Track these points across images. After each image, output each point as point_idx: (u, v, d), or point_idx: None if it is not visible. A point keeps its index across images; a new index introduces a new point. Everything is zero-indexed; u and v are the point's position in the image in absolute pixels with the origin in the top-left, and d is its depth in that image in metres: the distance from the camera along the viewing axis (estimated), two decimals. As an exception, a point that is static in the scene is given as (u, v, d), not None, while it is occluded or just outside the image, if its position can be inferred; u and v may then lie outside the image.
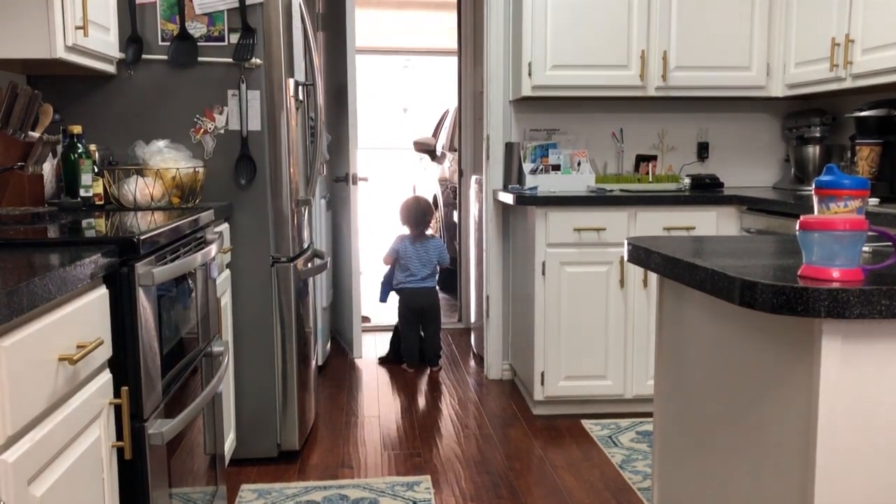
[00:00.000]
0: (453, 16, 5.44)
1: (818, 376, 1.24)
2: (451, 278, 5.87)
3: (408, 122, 11.47)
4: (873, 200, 2.94)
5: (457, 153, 5.55)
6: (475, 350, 4.74)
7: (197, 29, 2.87)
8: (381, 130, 11.37)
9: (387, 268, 4.67)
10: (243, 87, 2.89)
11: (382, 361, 4.63)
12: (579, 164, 3.96)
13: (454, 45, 5.41)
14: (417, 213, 4.54)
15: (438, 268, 4.54)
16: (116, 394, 1.64)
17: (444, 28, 9.34)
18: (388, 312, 5.15)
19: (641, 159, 4.12)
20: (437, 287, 4.58)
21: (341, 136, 4.58)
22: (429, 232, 4.63)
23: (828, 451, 1.25)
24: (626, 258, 1.85)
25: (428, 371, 4.45)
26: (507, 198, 3.80)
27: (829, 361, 1.23)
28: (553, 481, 2.97)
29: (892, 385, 1.24)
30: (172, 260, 1.99)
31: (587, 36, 3.74)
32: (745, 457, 1.50)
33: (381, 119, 11.50)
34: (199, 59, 2.88)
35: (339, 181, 4.65)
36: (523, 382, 3.94)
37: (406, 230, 4.58)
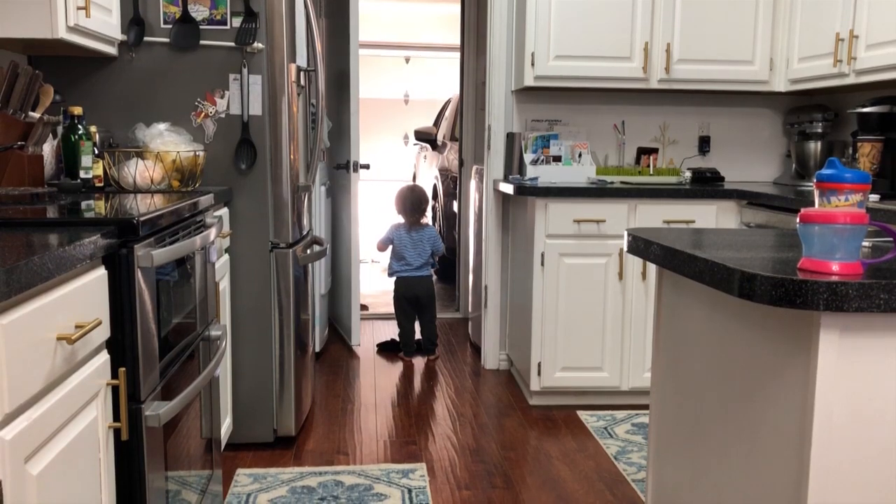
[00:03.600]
0: (455, 9, 5.43)
1: (815, 369, 1.24)
2: (449, 268, 5.88)
3: (409, 153, 11.29)
4: (874, 197, 2.93)
5: (458, 143, 5.55)
6: (472, 340, 4.75)
7: (199, 12, 2.86)
8: (383, 161, 11.10)
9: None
10: (245, 71, 2.88)
11: (381, 349, 4.64)
12: (580, 155, 3.96)
13: (454, 41, 5.39)
14: (413, 201, 4.54)
15: (434, 256, 4.55)
16: (114, 375, 1.64)
17: (445, 23, 9.29)
18: (386, 300, 5.16)
19: (642, 152, 4.12)
20: (433, 275, 4.59)
21: (342, 123, 4.57)
22: (424, 220, 4.64)
23: (823, 444, 1.25)
24: (625, 249, 1.86)
25: (424, 360, 4.46)
26: (508, 188, 3.79)
27: (826, 354, 1.23)
28: (548, 471, 2.98)
29: (889, 379, 1.25)
30: (171, 243, 1.99)
31: (591, 27, 3.73)
32: (740, 449, 1.50)
33: (382, 150, 11.27)
34: (201, 42, 2.87)
35: (340, 168, 4.65)
36: (520, 373, 3.95)
37: (401, 218, 4.58)
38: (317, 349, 4.30)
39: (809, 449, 1.26)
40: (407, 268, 4.47)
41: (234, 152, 2.92)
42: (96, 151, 2.53)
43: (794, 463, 1.30)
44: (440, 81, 10.38)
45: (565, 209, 3.51)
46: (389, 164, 11.03)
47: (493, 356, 4.29)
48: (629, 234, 1.81)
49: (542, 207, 3.52)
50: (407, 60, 11.67)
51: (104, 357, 1.61)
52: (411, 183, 6.14)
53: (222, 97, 2.90)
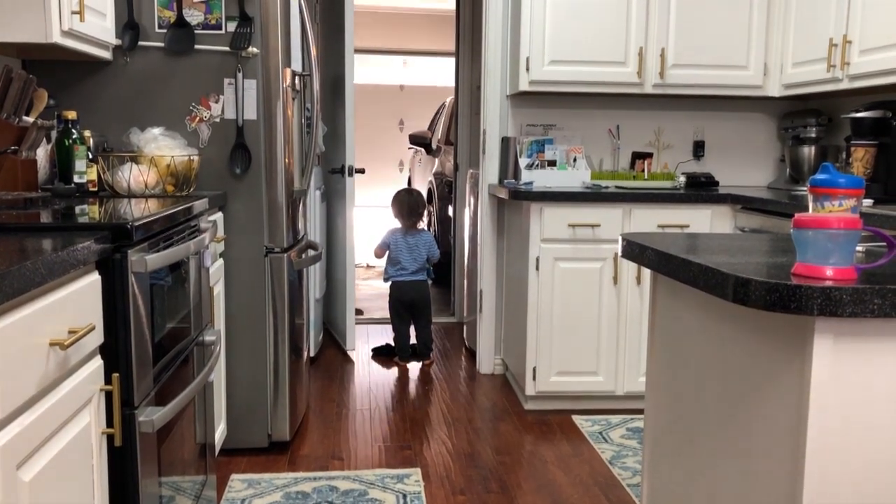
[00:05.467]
0: (450, 15, 5.43)
1: (809, 374, 1.24)
2: (444, 272, 5.88)
3: (404, 179, 11.08)
4: (867, 202, 2.94)
5: (453, 147, 5.55)
6: (467, 344, 4.75)
7: (194, 16, 2.86)
8: (379, 188, 10.87)
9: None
10: (240, 75, 2.88)
11: (376, 353, 4.63)
12: (575, 160, 3.96)
13: (449, 47, 5.38)
14: (410, 205, 4.54)
15: (429, 262, 4.54)
16: (107, 380, 1.63)
17: (440, 29, 9.28)
18: (381, 305, 5.16)
19: (637, 156, 4.12)
20: (429, 280, 4.59)
21: (337, 128, 4.57)
22: (420, 225, 4.64)
23: (818, 449, 1.25)
24: (620, 253, 1.86)
25: (419, 364, 4.46)
26: (503, 192, 3.79)
27: (820, 359, 1.24)
28: (543, 476, 2.98)
29: (883, 384, 1.25)
30: (166, 247, 1.98)
31: (585, 32, 3.74)
32: (735, 454, 1.50)
33: (378, 177, 11.06)
34: (196, 46, 2.86)
35: (335, 173, 4.64)
36: (515, 377, 3.95)
37: (398, 223, 4.58)
38: (311, 354, 4.29)
39: (804, 454, 1.26)
40: (402, 272, 4.47)
41: (229, 157, 2.92)
42: (90, 156, 2.53)
43: (789, 468, 1.30)
44: (433, 108, 10.38)
45: (560, 213, 3.52)
46: (386, 192, 10.91)
47: (488, 360, 4.28)
48: (624, 239, 1.82)
49: (536, 212, 3.52)
50: (401, 88, 11.69)
51: (97, 362, 1.60)
52: (408, 187, 6.15)
53: (217, 101, 2.90)
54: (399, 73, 11.45)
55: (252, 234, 2.99)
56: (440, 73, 9.61)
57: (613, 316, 3.58)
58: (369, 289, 6.43)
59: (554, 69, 3.75)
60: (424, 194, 7.23)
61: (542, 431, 3.43)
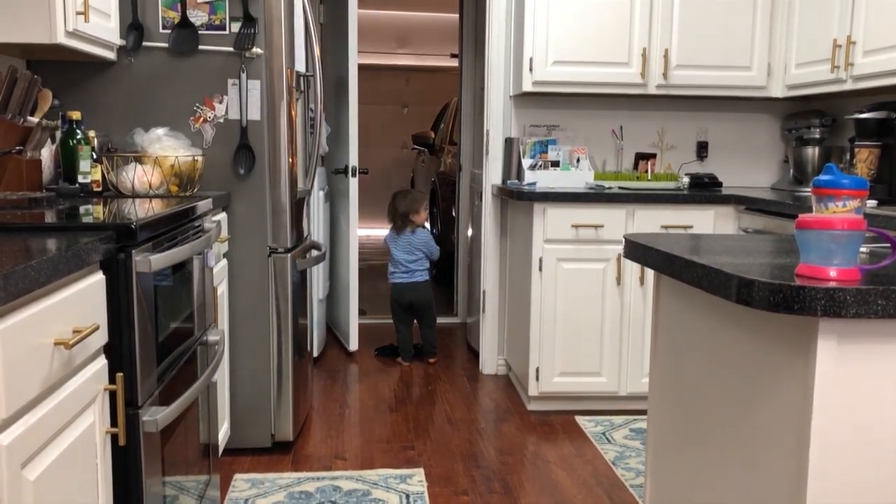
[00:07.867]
0: (453, 27, 5.42)
1: (813, 375, 1.24)
2: (447, 273, 5.88)
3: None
4: (871, 202, 2.94)
5: (456, 147, 5.55)
6: (470, 345, 4.75)
7: (198, 17, 2.87)
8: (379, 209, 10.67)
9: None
10: (243, 76, 2.88)
11: (379, 353, 4.63)
12: (578, 160, 3.96)
13: (453, 58, 5.37)
14: (404, 203, 4.51)
15: (429, 261, 4.52)
16: (111, 380, 1.63)
17: (443, 37, 9.26)
18: (384, 305, 5.16)
19: (641, 157, 4.12)
20: (430, 280, 4.57)
21: (341, 128, 4.57)
22: (419, 220, 4.59)
23: (821, 450, 1.25)
24: (623, 254, 1.86)
25: (422, 364, 4.46)
26: (506, 193, 3.79)
27: (824, 360, 1.24)
28: (546, 477, 2.98)
29: (886, 385, 1.25)
30: (170, 248, 1.99)
31: (589, 32, 3.74)
32: (738, 455, 1.50)
33: (379, 197, 10.97)
34: (200, 47, 2.87)
35: (338, 173, 4.65)
36: (518, 378, 3.95)
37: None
38: (315, 354, 4.29)
39: (808, 454, 1.26)
40: (396, 272, 4.47)
41: (233, 157, 2.92)
42: (95, 156, 2.53)
43: (793, 468, 1.30)
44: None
45: (563, 214, 3.52)
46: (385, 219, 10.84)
47: (491, 361, 4.28)
48: (627, 240, 1.82)
49: (540, 213, 3.52)
50: (405, 108, 11.69)
51: (102, 362, 1.60)
52: (406, 189, 6.13)
53: (221, 102, 2.90)
54: (401, 93, 11.51)
55: (256, 234, 2.99)
56: (443, 92, 9.61)
57: (617, 317, 3.58)
58: (372, 289, 6.43)
59: (557, 70, 3.76)
60: (427, 194, 7.24)
61: (545, 432, 3.43)
